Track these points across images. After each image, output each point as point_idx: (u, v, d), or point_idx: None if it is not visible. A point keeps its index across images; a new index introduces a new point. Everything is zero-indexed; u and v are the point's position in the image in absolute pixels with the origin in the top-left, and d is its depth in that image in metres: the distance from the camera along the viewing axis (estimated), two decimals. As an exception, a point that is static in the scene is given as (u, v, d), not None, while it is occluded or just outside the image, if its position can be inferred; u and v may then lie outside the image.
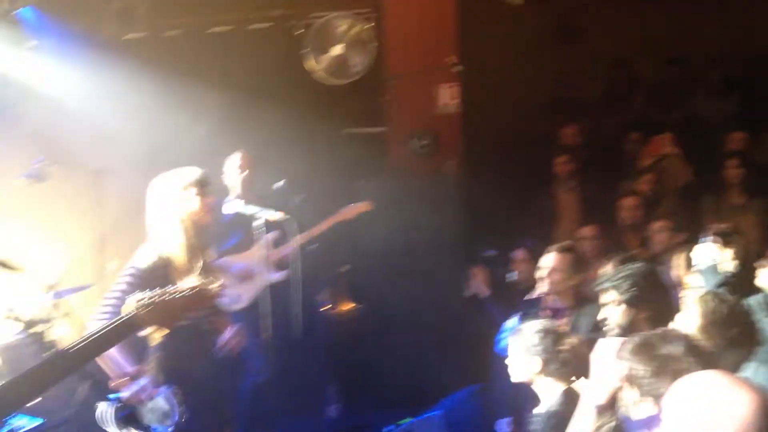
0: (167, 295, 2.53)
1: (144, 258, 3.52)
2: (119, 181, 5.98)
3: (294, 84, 7.12)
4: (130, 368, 3.38)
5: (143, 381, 3.36)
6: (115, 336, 2.29)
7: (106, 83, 6.50)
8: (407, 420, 4.90)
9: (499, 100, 7.57)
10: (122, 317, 2.39)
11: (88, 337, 2.22)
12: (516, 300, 5.09)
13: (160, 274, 3.49)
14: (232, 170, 5.47)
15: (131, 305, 2.47)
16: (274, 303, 4.55)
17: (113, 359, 3.38)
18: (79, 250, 6.06)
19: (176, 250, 3.54)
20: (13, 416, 3.01)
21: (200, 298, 2.63)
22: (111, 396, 3.33)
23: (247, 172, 5.44)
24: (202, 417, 3.51)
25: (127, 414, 3.31)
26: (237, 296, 5.21)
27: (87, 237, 6.04)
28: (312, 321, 5.33)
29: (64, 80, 6.52)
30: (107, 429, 3.28)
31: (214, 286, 2.65)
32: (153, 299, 2.49)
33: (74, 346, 2.14)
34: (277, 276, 4.84)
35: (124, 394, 3.33)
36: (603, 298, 3.59)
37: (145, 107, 6.51)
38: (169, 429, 3.34)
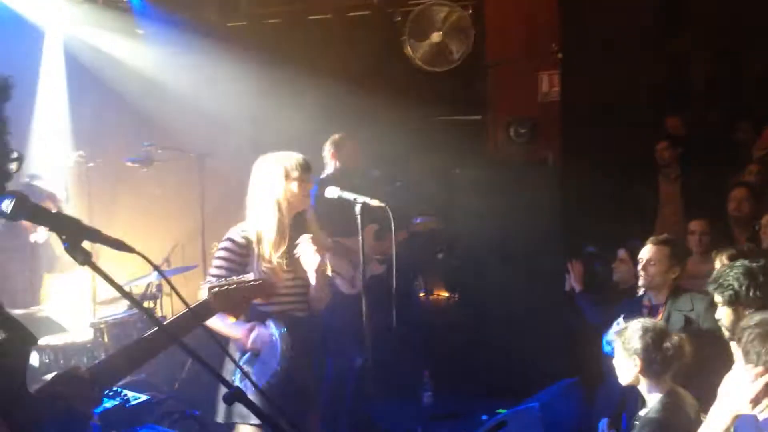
0: (235, 284, 2.68)
1: (238, 234, 3.61)
2: (222, 165, 6.13)
3: (392, 71, 7.13)
4: (242, 328, 3.49)
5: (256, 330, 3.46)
6: (193, 320, 2.36)
7: (211, 70, 6.68)
8: (502, 411, 4.85)
9: (601, 89, 7.37)
10: (198, 303, 2.49)
11: (171, 321, 2.30)
12: (612, 299, 4.96)
13: (249, 252, 3.58)
14: (331, 155, 5.56)
15: (204, 292, 2.62)
16: (371, 289, 4.57)
17: (225, 328, 3.50)
18: (183, 232, 6.23)
19: (269, 232, 3.60)
20: (120, 390, 3.13)
21: (262, 289, 2.79)
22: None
23: (346, 158, 5.53)
24: (291, 398, 3.57)
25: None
26: (352, 280, 5.29)
27: (191, 219, 6.21)
28: (407, 308, 5.35)
29: (170, 67, 6.73)
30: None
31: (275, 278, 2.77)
32: (223, 288, 2.63)
33: (158, 330, 2.21)
34: (380, 268, 4.90)
35: (250, 344, 3.45)
36: (715, 298, 3.46)
37: (248, 93, 6.66)
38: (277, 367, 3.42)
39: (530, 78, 6.91)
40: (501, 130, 6.91)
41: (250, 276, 2.89)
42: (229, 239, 3.63)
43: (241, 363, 3.51)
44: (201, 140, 6.28)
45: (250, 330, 3.47)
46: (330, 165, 5.63)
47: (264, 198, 3.62)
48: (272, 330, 3.47)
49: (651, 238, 4.52)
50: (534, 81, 6.90)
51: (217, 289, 2.62)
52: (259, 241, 3.60)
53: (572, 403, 4.82)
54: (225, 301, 2.61)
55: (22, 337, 1.76)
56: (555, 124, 6.86)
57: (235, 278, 2.80)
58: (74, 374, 1.94)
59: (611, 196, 6.52)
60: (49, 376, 2.08)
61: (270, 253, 3.58)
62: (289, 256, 3.64)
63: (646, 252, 4.40)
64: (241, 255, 3.57)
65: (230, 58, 6.73)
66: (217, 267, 3.59)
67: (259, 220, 3.62)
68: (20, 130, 6.15)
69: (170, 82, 6.77)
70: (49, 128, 6.58)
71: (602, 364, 4.46)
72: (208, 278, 3.60)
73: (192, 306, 2.41)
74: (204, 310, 2.47)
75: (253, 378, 3.44)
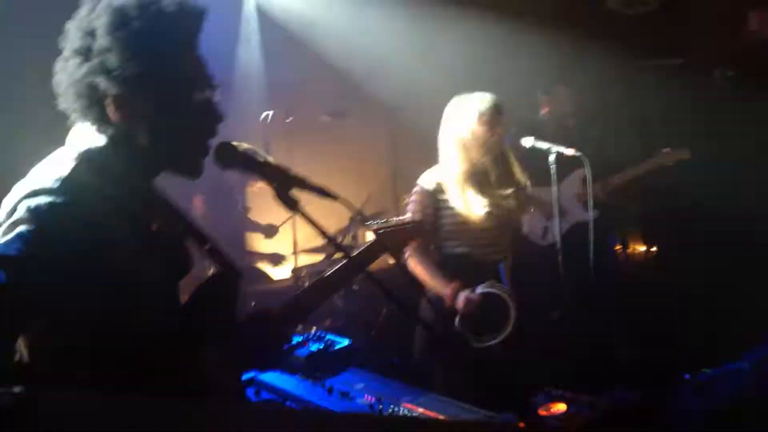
0: (394, 226, 2.76)
1: (429, 180, 3.61)
2: (414, 117, 6.15)
3: (586, 14, 6.82)
4: (446, 286, 3.53)
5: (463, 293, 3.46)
6: (364, 261, 2.42)
7: (400, 22, 6.68)
8: (708, 370, 4.60)
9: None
10: (365, 245, 2.52)
11: (341, 264, 2.37)
12: None
13: (440, 197, 3.57)
14: (544, 103, 5.49)
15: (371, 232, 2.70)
16: (570, 241, 4.46)
17: (424, 279, 3.54)
18: (376, 183, 6.35)
19: (459, 175, 3.57)
20: (324, 335, 3.23)
21: (419, 231, 2.78)
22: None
23: (558, 106, 5.45)
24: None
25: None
26: (543, 230, 5.21)
27: (383, 171, 6.31)
28: (604, 262, 5.16)
29: (358, 19, 6.81)
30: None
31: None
32: (387, 230, 2.71)
33: (339, 268, 2.33)
34: (589, 215, 4.75)
35: (460, 307, 3.47)
36: None
37: (440, 45, 6.62)
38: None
39: (740, 15, 6.38)
40: (705, 73, 6.44)
41: (408, 217, 2.93)
42: (419, 187, 3.65)
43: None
44: (393, 93, 6.32)
45: (456, 290, 3.47)
46: (542, 112, 5.55)
47: (455, 141, 3.60)
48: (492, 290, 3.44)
49: None
50: (744, 19, 6.36)
51: (382, 230, 2.69)
52: (452, 184, 3.59)
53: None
54: (389, 242, 2.66)
55: (234, 271, 1.85)
56: (766, 66, 6.30)
57: (394, 219, 2.83)
58: (265, 314, 2.03)
59: None
60: None
61: (464, 195, 3.56)
62: (488, 197, 3.60)
63: None
64: (433, 200, 3.59)
65: (422, 11, 6.70)
66: (412, 213, 3.63)
67: (451, 163, 3.60)
68: (222, 89, 6.52)
69: (359, 37, 6.85)
70: (249, 87, 6.88)
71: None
72: None
73: (359, 249, 2.49)
74: (369, 252, 2.50)
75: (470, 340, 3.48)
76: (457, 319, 3.52)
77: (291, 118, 5.84)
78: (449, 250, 3.65)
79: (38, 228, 1.48)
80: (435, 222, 3.64)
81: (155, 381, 1.57)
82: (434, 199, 3.62)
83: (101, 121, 1.69)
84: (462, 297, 3.45)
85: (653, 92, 6.57)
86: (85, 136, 1.71)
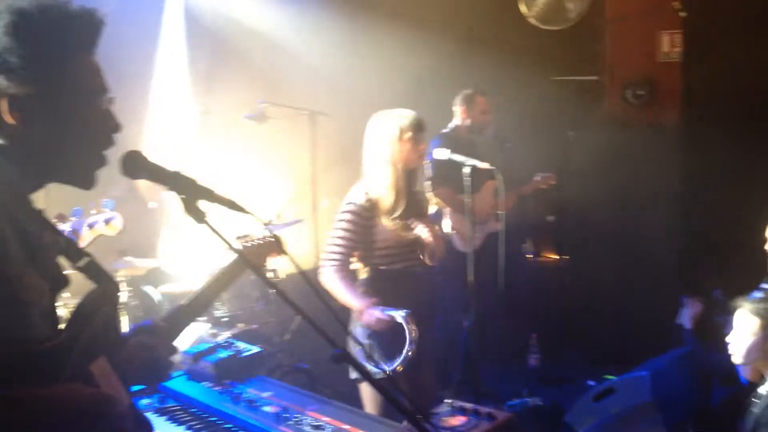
0: (257, 239, 2.78)
1: (357, 196, 3.65)
2: (333, 123, 6.19)
3: (506, 29, 6.98)
4: (359, 300, 3.56)
5: (376, 309, 3.50)
6: (230, 274, 2.47)
7: (324, 27, 6.71)
8: (610, 377, 4.77)
9: (727, 50, 6.99)
10: (231, 260, 2.54)
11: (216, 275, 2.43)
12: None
13: (369, 214, 3.61)
14: (462, 112, 5.60)
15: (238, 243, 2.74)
16: (480, 249, 4.57)
17: (340, 294, 3.57)
18: (294, 187, 6.36)
19: (384, 192, 3.63)
20: (233, 342, 3.23)
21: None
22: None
23: (476, 114, 5.58)
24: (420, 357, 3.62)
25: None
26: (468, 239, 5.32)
27: (302, 175, 6.31)
28: (516, 269, 5.31)
29: (284, 24, 6.81)
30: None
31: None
32: (248, 242, 2.75)
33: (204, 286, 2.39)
34: (498, 225, 4.87)
35: (368, 323, 3.49)
36: None
37: (358, 51, 6.67)
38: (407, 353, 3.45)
39: (651, 37, 6.64)
40: (618, 92, 6.68)
41: (266, 231, 2.98)
42: (353, 204, 3.65)
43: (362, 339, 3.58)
44: (313, 98, 6.34)
45: (369, 306, 3.50)
46: (457, 120, 5.64)
47: (380, 158, 3.64)
48: (394, 315, 3.47)
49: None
50: (654, 40, 6.62)
51: (245, 246, 2.75)
52: (376, 205, 3.63)
53: (684, 373, 4.69)
54: (252, 257, 2.73)
55: (113, 285, 1.83)
56: (676, 86, 6.57)
57: (256, 235, 2.87)
58: (154, 324, 2.05)
59: (735, 166, 6.20)
60: None
61: (389, 213, 3.61)
62: (407, 214, 3.66)
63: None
64: (366, 218, 3.61)
65: (343, 16, 6.74)
66: (344, 230, 3.62)
67: (377, 181, 3.65)
68: (143, 84, 6.42)
69: (284, 41, 6.86)
70: (169, 84, 6.79)
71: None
72: (330, 246, 3.66)
73: (224, 265, 2.51)
74: (233, 268, 2.53)
75: (379, 362, 3.50)
76: (365, 335, 3.55)
77: (209, 119, 5.80)
78: (379, 265, 3.69)
79: None
80: (366, 238, 3.66)
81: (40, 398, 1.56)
82: (366, 217, 3.63)
83: None
84: (374, 315, 3.48)
85: (567, 107, 6.77)
86: None
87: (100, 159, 1.76)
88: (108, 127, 1.76)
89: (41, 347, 1.60)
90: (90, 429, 1.59)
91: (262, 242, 2.81)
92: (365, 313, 3.49)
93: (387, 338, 3.51)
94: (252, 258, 2.70)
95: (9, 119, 1.63)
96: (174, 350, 2.05)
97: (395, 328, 3.45)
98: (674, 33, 6.56)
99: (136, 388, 1.97)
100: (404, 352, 3.40)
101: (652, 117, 6.51)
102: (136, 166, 1.78)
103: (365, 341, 3.56)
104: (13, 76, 1.60)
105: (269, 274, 5.30)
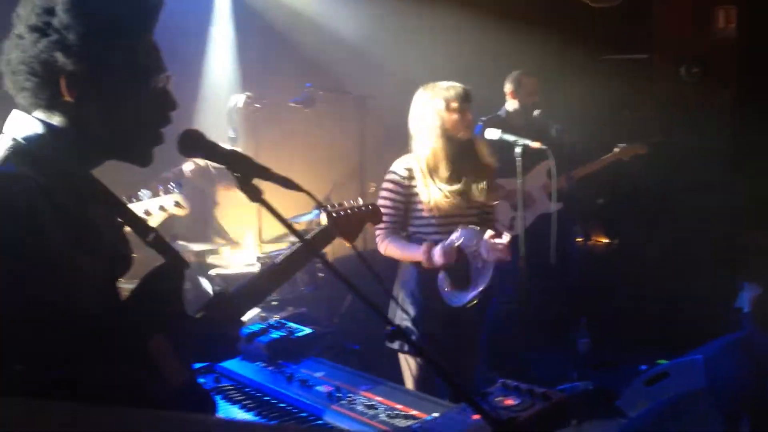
0: (350, 209, 2.76)
1: (400, 167, 3.66)
2: (381, 107, 6.18)
3: (555, 7, 6.88)
4: (417, 250, 3.59)
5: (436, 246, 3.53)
6: (319, 242, 2.48)
7: (372, 10, 6.69)
8: (662, 362, 4.70)
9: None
10: (320, 228, 2.53)
11: (296, 246, 2.35)
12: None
13: (413, 183, 3.62)
14: (510, 94, 5.56)
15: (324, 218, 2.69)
16: (531, 231, 4.53)
17: (398, 254, 3.66)
18: (342, 172, 6.37)
19: (432, 161, 3.63)
20: (285, 323, 3.26)
21: (375, 214, 2.84)
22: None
23: (525, 96, 5.53)
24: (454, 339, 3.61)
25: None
26: (510, 220, 5.28)
27: (350, 160, 6.32)
28: (566, 252, 5.25)
29: (331, 7, 6.81)
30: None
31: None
32: (341, 213, 2.73)
33: (288, 254, 2.31)
34: (555, 206, 4.82)
35: (437, 262, 3.52)
36: None
37: (408, 34, 6.64)
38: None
39: (704, 13, 6.48)
40: (671, 70, 6.55)
41: (361, 201, 2.97)
42: (391, 175, 3.69)
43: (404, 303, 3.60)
44: (361, 82, 6.33)
45: (429, 248, 3.52)
46: (509, 103, 5.61)
47: (425, 128, 3.65)
48: (463, 239, 3.50)
49: None
50: (708, 16, 6.47)
51: (335, 213, 2.71)
52: (423, 171, 3.64)
53: (740, 358, 4.60)
54: (343, 225, 2.69)
55: (180, 260, 1.85)
56: (731, 63, 6.42)
57: (348, 203, 2.86)
58: (222, 298, 2.05)
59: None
60: None
61: (434, 179, 3.62)
62: (459, 183, 3.65)
63: None
64: (405, 186, 3.63)
65: (396, 2, 6.72)
66: (385, 198, 3.67)
67: (423, 151, 3.65)
68: (193, 72, 6.49)
69: (331, 25, 6.87)
70: (219, 71, 6.86)
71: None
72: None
73: (314, 232, 2.52)
74: (324, 235, 2.52)
75: (452, 298, 3.53)
76: (440, 276, 3.57)
77: (259, 104, 5.82)
78: (421, 238, 3.69)
79: None
80: (407, 209, 3.69)
81: (100, 376, 1.58)
82: (406, 186, 3.66)
83: (52, 100, 1.66)
84: (438, 250, 3.50)
85: (618, 86, 6.66)
86: (22, 123, 1.68)
87: (156, 137, 1.79)
88: (164, 105, 1.78)
89: (97, 324, 1.63)
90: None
91: (355, 210, 2.79)
92: (431, 254, 3.50)
93: (459, 269, 3.55)
94: (344, 226, 2.67)
95: (67, 97, 1.65)
96: (241, 325, 2.06)
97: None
98: (729, 8, 6.41)
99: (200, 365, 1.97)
100: (485, 274, 3.44)
101: (706, 95, 6.37)
102: (193, 144, 1.79)
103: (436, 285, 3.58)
104: (71, 53, 1.62)
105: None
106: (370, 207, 2.84)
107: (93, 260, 1.66)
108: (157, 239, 1.84)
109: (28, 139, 1.65)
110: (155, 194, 3.59)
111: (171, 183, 3.64)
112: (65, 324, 1.54)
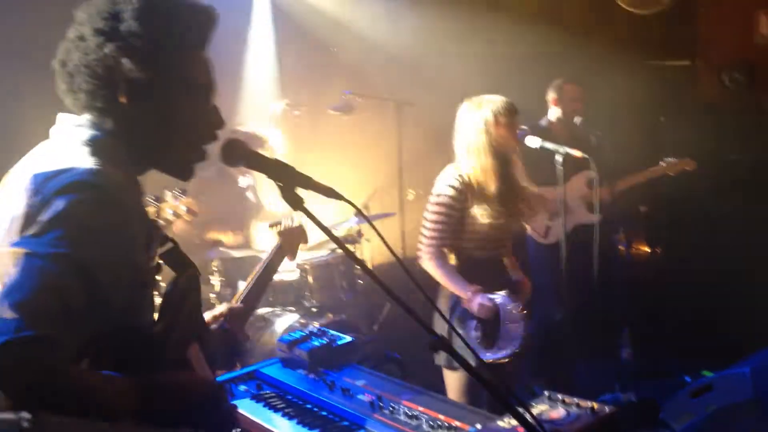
0: (293, 223, 3.04)
1: (452, 184, 3.62)
2: (419, 113, 6.16)
3: (597, 13, 6.82)
4: (464, 286, 3.56)
5: (481, 298, 3.50)
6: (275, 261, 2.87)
7: (410, 16, 6.69)
8: (708, 373, 4.61)
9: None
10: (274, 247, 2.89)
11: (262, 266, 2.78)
12: None
13: (464, 198, 3.59)
14: (553, 101, 5.52)
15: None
16: (573, 241, 4.47)
17: (444, 280, 3.62)
18: (381, 179, 6.36)
19: (482, 178, 3.60)
20: (327, 330, 3.25)
21: (302, 236, 3.08)
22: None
23: (567, 103, 5.48)
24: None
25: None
26: (546, 229, 5.23)
27: (389, 166, 6.31)
28: (608, 262, 5.18)
29: (373, 16, 6.82)
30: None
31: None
32: (287, 227, 3.00)
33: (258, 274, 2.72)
34: (594, 217, 4.75)
35: (475, 310, 3.51)
36: None
37: (446, 40, 6.62)
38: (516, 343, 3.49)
39: (748, 18, 6.38)
40: (713, 76, 6.45)
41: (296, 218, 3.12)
42: (449, 186, 3.63)
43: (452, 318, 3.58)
44: (400, 89, 6.33)
45: (475, 293, 3.49)
46: (552, 111, 5.56)
47: (475, 145, 3.61)
48: (502, 302, 3.48)
49: None
50: (751, 21, 6.36)
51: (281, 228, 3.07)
52: (473, 188, 3.61)
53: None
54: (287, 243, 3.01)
55: (195, 271, 1.85)
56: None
57: (287, 222, 3.15)
58: (233, 309, 2.12)
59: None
60: None
61: (485, 199, 3.59)
62: (500, 200, 3.62)
63: None
64: (461, 201, 3.60)
65: (430, 5, 6.71)
66: (440, 214, 3.62)
67: (474, 168, 3.62)
68: (233, 79, 6.54)
69: (369, 31, 6.87)
70: (259, 78, 6.90)
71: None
72: (427, 231, 3.66)
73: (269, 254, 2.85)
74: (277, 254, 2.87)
75: (479, 349, 3.51)
76: (473, 324, 3.54)
77: (298, 111, 5.85)
78: (470, 251, 3.67)
79: (85, 225, 1.45)
80: (459, 223, 3.64)
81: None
82: (458, 209, 3.61)
83: (108, 104, 1.67)
84: (477, 301, 3.47)
85: (660, 93, 6.57)
86: (79, 126, 1.69)
87: (201, 153, 1.80)
88: (213, 123, 1.79)
89: (149, 333, 1.64)
90: (204, 415, 1.63)
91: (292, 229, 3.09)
92: (472, 300, 3.48)
93: (490, 326, 3.49)
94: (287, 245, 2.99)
95: (122, 99, 1.67)
96: (248, 335, 2.10)
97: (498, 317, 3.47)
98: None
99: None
100: (512, 342, 3.40)
101: (749, 102, 6.26)
102: (235, 153, 1.80)
103: (466, 328, 3.55)
104: (137, 60, 1.64)
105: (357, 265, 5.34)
106: (299, 227, 3.13)
107: (151, 264, 1.69)
108: (171, 251, 1.83)
109: (98, 142, 1.66)
110: (162, 200, 3.60)
111: (176, 189, 3.63)
112: (135, 330, 1.58)
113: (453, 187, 3.61)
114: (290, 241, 3.06)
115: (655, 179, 5.55)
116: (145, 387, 1.49)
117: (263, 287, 2.66)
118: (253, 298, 2.54)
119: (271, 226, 3.21)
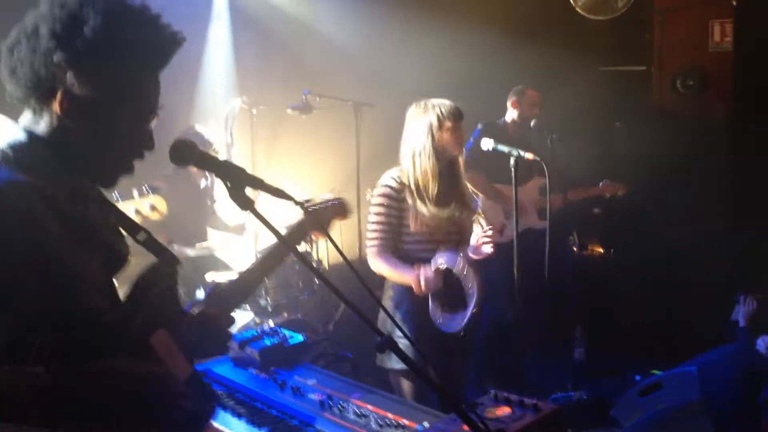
0: (320, 204, 2.83)
1: (391, 180, 3.65)
2: (378, 115, 6.18)
3: (553, 18, 6.91)
4: (408, 271, 3.55)
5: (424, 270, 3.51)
6: (296, 237, 2.58)
7: (370, 18, 6.71)
8: (657, 372, 4.71)
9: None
10: (295, 222, 2.60)
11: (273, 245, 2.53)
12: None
13: (404, 196, 3.62)
14: (512, 104, 5.65)
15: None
16: (525, 241, 4.53)
17: (389, 273, 3.63)
18: (339, 179, 6.37)
19: (423, 179, 3.63)
20: (279, 329, 3.26)
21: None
22: None
23: (526, 107, 5.61)
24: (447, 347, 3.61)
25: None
26: (501, 226, 5.29)
27: (347, 167, 6.32)
28: (561, 262, 5.26)
29: (329, 15, 6.83)
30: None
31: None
32: (315, 207, 2.80)
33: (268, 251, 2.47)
34: (544, 223, 4.81)
35: (426, 286, 3.50)
36: None
37: (406, 43, 6.66)
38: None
39: (701, 27, 6.51)
40: (667, 83, 6.58)
41: (329, 195, 3.01)
42: (384, 187, 3.68)
43: (396, 317, 3.60)
44: (358, 89, 6.35)
45: (419, 268, 3.50)
46: (510, 113, 5.67)
47: (417, 145, 3.64)
48: (448, 262, 3.49)
49: None
50: (705, 29, 6.49)
51: (310, 207, 2.78)
52: (412, 187, 3.64)
53: (734, 370, 4.60)
54: (316, 219, 2.76)
55: (172, 258, 1.86)
56: (727, 77, 6.44)
57: (320, 198, 2.94)
58: (216, 294, 2.12)
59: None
60: None
61: (424, 199, 3.61)
62: (443, 202, 3.65)
63: None
64: (398, 200, 3.62)
65: (389, 7, 6.74)
66: (378, 213, 3.65)
67: (413, 167, 3.65)
68: (190, 77, 6.50)
69: (330, 32, 6.88)
70: (216, 76, 6.87)
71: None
72: (369, 231, 3.68)
73: (290, 229, 2.60)
74: (300, 230, 2.59)
75: (447, 324, 3.53)
76: (430, 306, 3.56)
77: (255, 110, 5.82)
78: (410, 251, 3.69)
79: None
80: (399, 224, 3.66)
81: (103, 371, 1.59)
82: (397, 200, 3.64)
83: (41, 107, 1.66)
84: (422, 277, 3.48)
85: (615, 98, 6.69)
86: (7, 131, 1.68)
87: (128, 167, 1.79)
88: (145, 144, 1.78)
89: (100, 320, 1.64)
90: (146, 406, 1.62)
91: (326, 206, 2.84)
92: (420, 276, 3.49)
93: (446, 292, 3.52)
94: (316, 221, 2.71)
95: (59, 110, 1.65)
96: (233, 321, 2.08)
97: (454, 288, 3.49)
98: (725, 22, 6.44)
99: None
100: (471, 297, 3.43)
101: (702, 108, 6.40)
102: (185, 154, 1.80)
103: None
104: (82, 75, 1.63)
105: (315, 263, 5.35)
106: (336, 201, 2.88)
107: (91, 258, 1.67)
108: (149, 239, 1.85)
109: (16, 146, 1.65)
110: (128, 197, 3.56)
111: (144, 186, 3.59)
112: (70, 319, 1.56)
113: (390, 186, 3.64)
114: (320, 216, 2.85)
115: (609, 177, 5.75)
116: (63, 376, 1.47)
117: (271, 266, 2.43)
118: (256, 276, 2.36)
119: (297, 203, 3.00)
